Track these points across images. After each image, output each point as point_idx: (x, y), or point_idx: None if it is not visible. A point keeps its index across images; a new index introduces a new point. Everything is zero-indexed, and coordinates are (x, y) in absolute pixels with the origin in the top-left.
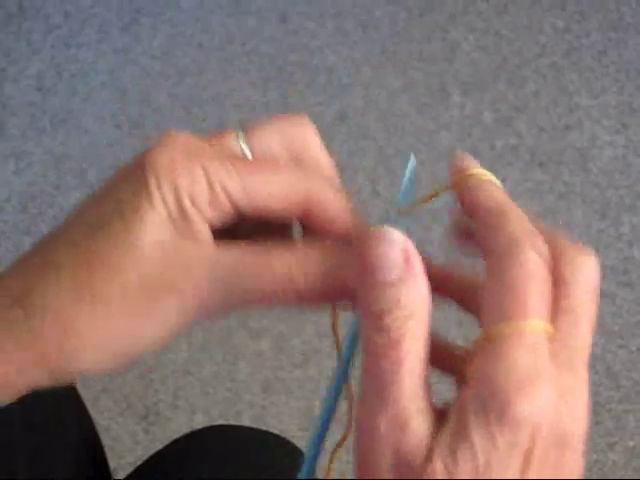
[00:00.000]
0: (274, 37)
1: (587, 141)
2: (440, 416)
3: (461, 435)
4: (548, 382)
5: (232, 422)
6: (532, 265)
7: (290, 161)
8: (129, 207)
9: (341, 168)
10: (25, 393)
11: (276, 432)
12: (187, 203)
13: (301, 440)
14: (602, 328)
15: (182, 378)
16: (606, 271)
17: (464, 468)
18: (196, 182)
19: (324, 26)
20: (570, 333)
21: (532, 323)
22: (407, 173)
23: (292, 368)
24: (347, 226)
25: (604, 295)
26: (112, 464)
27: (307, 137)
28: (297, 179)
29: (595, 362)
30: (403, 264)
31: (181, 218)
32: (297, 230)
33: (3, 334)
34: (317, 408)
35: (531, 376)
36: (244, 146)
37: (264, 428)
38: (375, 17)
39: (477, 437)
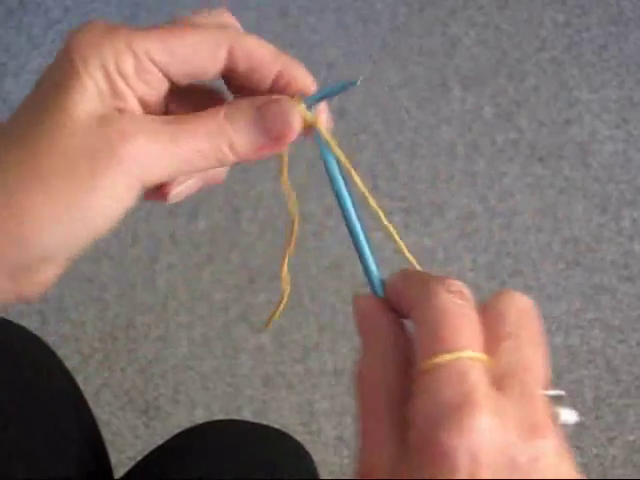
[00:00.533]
0: (274, 32)
1: (587, 136)
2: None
3: (412, 472)
4: (480, 408)
5: (233, 417)
6: (442, 302)
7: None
8: (60, 88)
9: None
10: None
11: (277, 426)
12: (115, 75)
13: (302, 434)
14: (602, 322)
15: (182, 373)
16: (607, 266)
17: None
18: (120, 53)
19: (324, 21)
20: (513, 357)
21: (452, 355)
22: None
23: (293, 362)
24: (279, 66)
25: (605, 289)
26: (112, 459)
27: (227, 17)
28: (220, 33)
29: (595, 356)
30: (364, 323)
31: (111, 91)
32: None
33: None
34: (317, 402)
35: (458, 406)
36: None
37: (265, 422)
38: (375, 11)
39: (416, 465)
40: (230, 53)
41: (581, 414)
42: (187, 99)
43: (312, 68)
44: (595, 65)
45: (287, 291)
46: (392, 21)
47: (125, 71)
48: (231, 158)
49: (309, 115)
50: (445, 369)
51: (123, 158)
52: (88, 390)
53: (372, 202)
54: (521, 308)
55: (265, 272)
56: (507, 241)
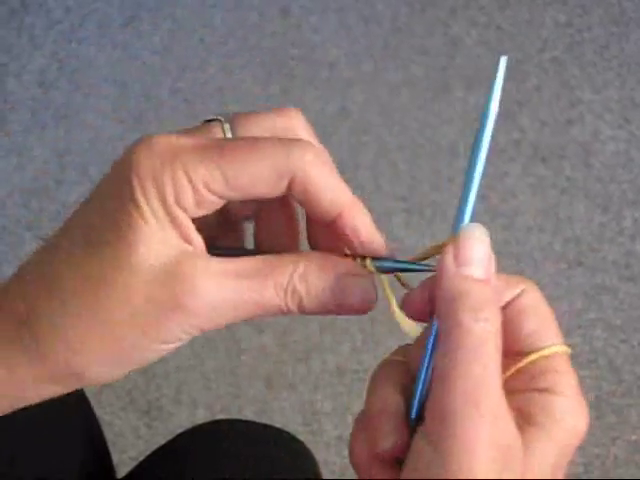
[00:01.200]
0: (276, 32)
1: (589, 136)
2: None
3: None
4: None
5: (234, 417)
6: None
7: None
8: (121, 223)
9: (342, 163)
10: (37, 402)
11: (278, 426)
12: (176, 210)
13: (303, 434)
14: (604, 322)
15: (184, 373)
16: (608, 265)
17: None
18: (180, 187)
19: (326, 21)
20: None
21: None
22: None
23: (295, 363)
24: (340, 203)
25: (606, 289)
26: (114, 459)
27: (296, 125)
28: (280, 159)
29: (597, 356)
30: (491, 265)
31: (172, 225)
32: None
33: (15, 353)
34: (319, 402)
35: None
36: (229, 136)
37: (266, 422)
38: (377, 12)
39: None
40: (290, 185)
41: None
42: (251, 203)
43: (313, 68)
44: (597, 65)
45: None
46: (393, 21)
47: (185, 205)
48: (295, 314)
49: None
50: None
51: (187, 310)
52: (90, 390)
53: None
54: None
55: None
56: (509, 241)
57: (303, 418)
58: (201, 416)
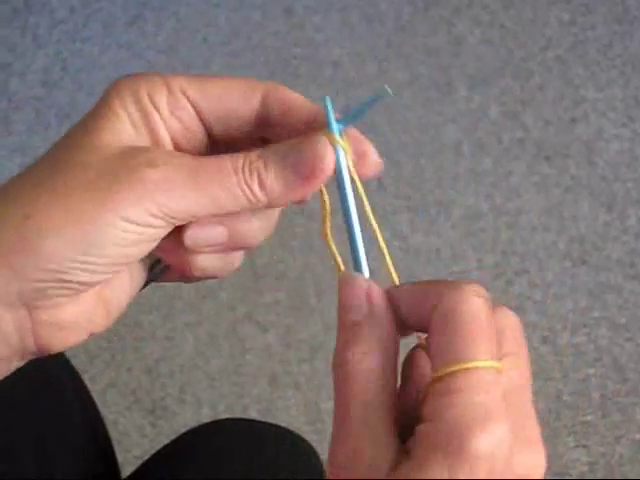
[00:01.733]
0: (279, 31)
1: (593, 134)
2: (404, 450)
3: (420, 470)
4: (503, 419)
5: (239, 416)
6: (477, 308)
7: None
8: (91, 116)
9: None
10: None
11: (283, 426)
12: (148, 107)
13: (308, 434)
14: (609, 321)
15: (189, 372)
16: (612, 264)
17: None
18: (154, 85)
19: (329, 20)
20: (514, 374)
21: (483, 363)
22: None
23: (299, 362)
24: (312, 111)
25: (611, 288)
26: (119, 458)
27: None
28: (254, 80)
29: (602, 355)
30: (365, 307)
31: (144, 124)
32: None
33: None
34: (324, 402)
35: (486, 413)
36: None
37: (271, 422)
38: (380, 11)
39: (437, 472)
40: (264, 97)
41: (588, 413)
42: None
43: (317, 67)
44: (600, 64)
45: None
46: (397, 20)
47: (158, 103)
48: (261, 198)
49: (341, 142)
50: (477, 375)
51: (144, 180)
52: (95, 390)
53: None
54: (517, 327)
55: (271, 271)
56: (513, 240)
57: (308, 417)
58: (205, 415)
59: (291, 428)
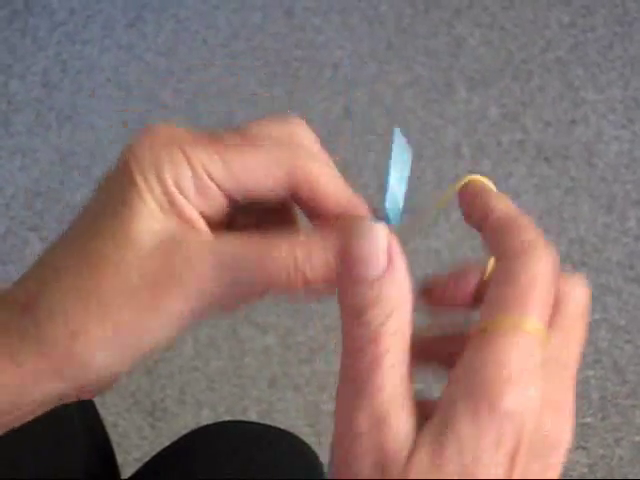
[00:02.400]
0: (279, 33)
1: (593, 136)
2: (425, 411)
3: (448, 425)
4: (537, 384)
5: (239, 418)
6: (543, 268)
7: (275, 140)
8: (119, 202)
9: (346, 164)
10: (47, 408)
11: (283, 427)
12: (174, 190)
13: (308, 435)
14: (609, 323)
15: (188, 374)
16: (612, 266)
17: (450, 460)
18: (179, 168)
19: (330, 21)
20: (560, 349)
21: (531, 321)
22: (395, 149)
23: (299, 363)
24: (342, 201)
25: (611, 290)
26: (119, 460)
27: (299, 131)
28: (282, 153)
29: (602, 357)
30: (385, 261)
31: (170, 207)
32: (301, 219)
33: (16, 345)
34: (324, 404)
35: (522, 373)
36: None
37: (271, 423)
38: (380, 12)
39: (465, 428)
40: (291, 177)
41: (588, 415)
42: (254, 212)
43: (317, 69)
44: (600, 65)
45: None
46: (397, 22)
47: (183, 186)
48: (298, 286)
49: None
50: (520, 334)
51: (182, 281)
52: None
53: None
54: (582, 305)
55: None
56: None
57: (307, 419)
58: (205, 417)
59: (291, 430)
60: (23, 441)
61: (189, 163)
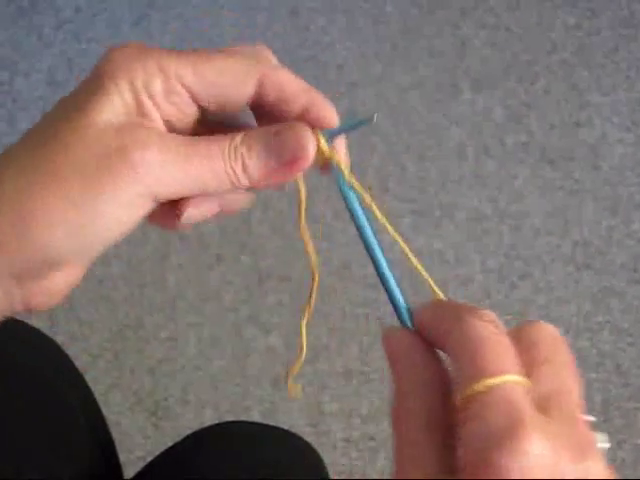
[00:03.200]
0: (284, 33)
1: (598, 138)
2: None
3: None
4: (531, 430)
5: (241, 417)
6: (478, 331)
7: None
8: (84, 99)
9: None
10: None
11: (285, 427)
12: (142, 93)
13: (310, 435)
14: (612, 325)
15: (191, 373)
16: (616, 268)
17: None
18: (150, 73)
19: (334, 22)
20: (553, 381)
21: (495, 379)
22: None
23: (302, 364)
24: (307, 100)
25: (614, 292)
26: (121, 458)
27: (265, 51)
28: (250, 61)
29: (604, 359)
30: (405, 353)
31: (137, 109)
32: None
33: None
34: (326, 404)
35: (509, 429)
36: None
37: (273, 423)
38: (385, 13)
39: None
40: (260, 82)
41: (590, 417)
42: (217, 132)
43: (322, 70)
44: (605, 67)
45: (304, 346)
46: (402, 22)
47: (153, 90)
48: (243, 181)
49: (327, 148)
50: (492, 393)
51: (136, 165)
52: (97, 390)
53: (391, 230)
54: (553, 336)
55: (275, 273)
56: (517, 243)
57: (310, 419)
58: (208, 416)
59: (293, 430)
60: (26, 440)
61: (162, 70)
